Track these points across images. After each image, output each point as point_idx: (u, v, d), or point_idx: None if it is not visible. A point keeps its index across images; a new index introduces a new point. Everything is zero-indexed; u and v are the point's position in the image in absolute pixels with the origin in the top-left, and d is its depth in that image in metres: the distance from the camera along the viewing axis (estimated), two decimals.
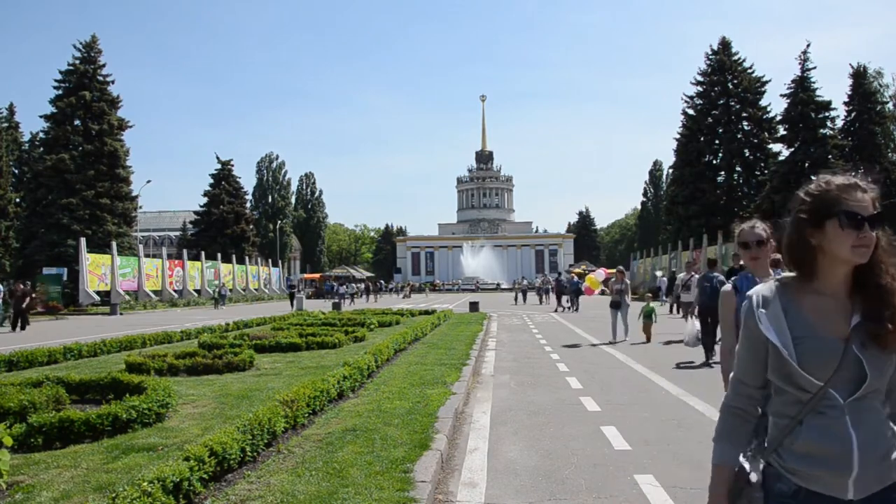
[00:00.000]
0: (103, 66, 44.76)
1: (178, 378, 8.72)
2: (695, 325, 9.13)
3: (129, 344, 12.85)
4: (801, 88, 39.14)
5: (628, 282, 15.55)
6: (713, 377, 9.25)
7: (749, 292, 1.73)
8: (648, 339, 14.04)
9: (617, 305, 14.80)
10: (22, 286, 22.98)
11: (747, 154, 48.30)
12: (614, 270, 15.45)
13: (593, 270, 34.33)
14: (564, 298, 31.09)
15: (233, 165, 62.83)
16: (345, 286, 50.71)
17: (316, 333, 13.27)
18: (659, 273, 38.71)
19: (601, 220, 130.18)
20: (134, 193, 46.20)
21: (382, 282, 78.13)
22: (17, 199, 48.69)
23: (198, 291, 48.24)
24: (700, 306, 10.53)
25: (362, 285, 57.78)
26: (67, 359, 11.17)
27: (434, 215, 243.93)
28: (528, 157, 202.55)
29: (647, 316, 14.22)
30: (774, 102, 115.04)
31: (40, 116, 43.45)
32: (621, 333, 14.62)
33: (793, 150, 39.49)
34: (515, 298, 39.99)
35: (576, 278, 33.13)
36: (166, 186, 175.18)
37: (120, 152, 44.04)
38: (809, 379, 1.58)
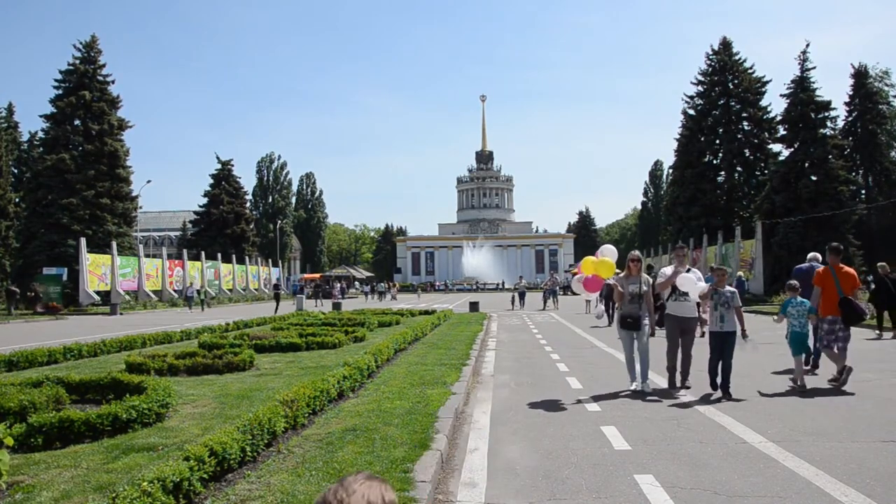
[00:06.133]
0: (103, 66, 44.80)
1: (178, 378, 8.73)
2: (601, 306, 14.90)
3: (129, 344, 12.86)
4: (801, 88, 39.10)
5: (647, 281, 8.44)
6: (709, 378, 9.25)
7: None
8: None
9: (635, 324, 8.14)
10: None
11: (747, 154, 48.30)
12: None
13: None
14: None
15: (233, 165, 63.02)
16: (376, 284, 59.07)
17: (316, 333, 13.28)
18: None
19: (601, 220, 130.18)
20: (134, 193, 46.22)
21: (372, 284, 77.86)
22: (17, 199, 48.73)
23: (197, 291, 48.19)
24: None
25: (380, 284, 60.35)
26: (67, 359, 11.18)
27: (434, 215, 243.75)
28: (528, 157, 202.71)
29: None
30: (774, 102, 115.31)
31: (40, 116, 43.58)
32: (641, 377, 8.25)
33: (793, 150, 39.43)
34: (512, 301, 33.07)
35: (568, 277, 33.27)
36: (166, 186, 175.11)
37: (120, 152, 44.05)
38: None
